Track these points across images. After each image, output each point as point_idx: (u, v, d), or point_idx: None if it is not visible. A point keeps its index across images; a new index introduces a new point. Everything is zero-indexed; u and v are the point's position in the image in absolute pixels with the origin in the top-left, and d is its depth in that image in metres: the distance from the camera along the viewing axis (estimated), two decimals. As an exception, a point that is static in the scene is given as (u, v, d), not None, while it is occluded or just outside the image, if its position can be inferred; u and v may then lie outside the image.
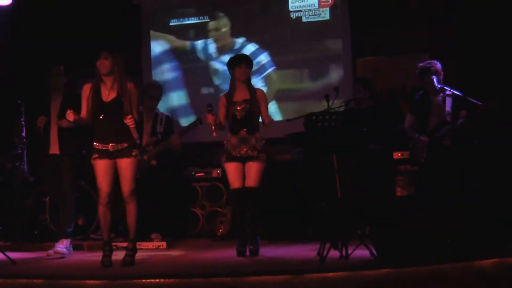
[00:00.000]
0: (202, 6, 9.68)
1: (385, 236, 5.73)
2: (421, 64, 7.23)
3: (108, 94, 6.29)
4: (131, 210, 6.31)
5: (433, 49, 8.34)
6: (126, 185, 6.26)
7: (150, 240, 7.76)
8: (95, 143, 6.30)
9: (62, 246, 7.07)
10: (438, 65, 7.14)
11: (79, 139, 6.91)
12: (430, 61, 7.19)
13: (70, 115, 6.21)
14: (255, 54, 9.23)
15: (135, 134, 6.22)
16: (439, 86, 7.03)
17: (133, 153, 6.26)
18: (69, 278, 5.60)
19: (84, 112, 6.35)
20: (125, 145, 6.24)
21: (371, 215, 6.50)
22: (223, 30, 9.55)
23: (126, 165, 6.24)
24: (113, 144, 6.24)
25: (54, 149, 7.21)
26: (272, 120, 6.81)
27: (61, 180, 7.18)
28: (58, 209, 7.29)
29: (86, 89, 6.35)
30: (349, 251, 5.85)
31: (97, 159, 6.28)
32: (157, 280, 5.34)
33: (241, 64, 6.72)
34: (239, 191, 6.65)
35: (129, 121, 6.16)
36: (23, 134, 7.98)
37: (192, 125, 8.08)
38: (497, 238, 5.57)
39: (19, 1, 8.81)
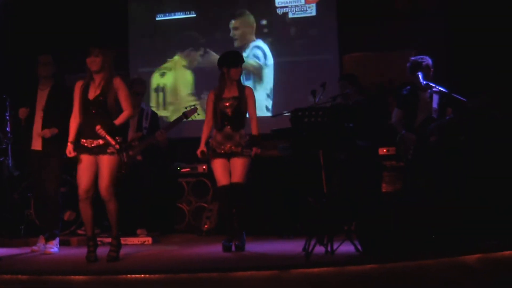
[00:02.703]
0: (188, 2, 9.65)
1: (371, 231, 5.75)
2: (412, 58, 7.24)
3: (94, 91, 6.28)
4: (110, 209, 6.28)
5: (421, 45, 8.34)
6: (102, 182, 6.21)
7: (136, 235, 7.74)
8: (80, 139, 6.30)
9: (52, 245, 7.00)
10: (429, 61, 7.16)
11: (63, 135, 6.82)
12: (422, 56, 7.21)
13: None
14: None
15: (111, 141, 6.17)
16: (424, 82, 7.03)
17: (108, 150, 6.20)
18: (54, 273, 5.58)
19: (75, 112, 6.34)
20: (101, 142, 6.20)
21: (357, 211, 6.51)
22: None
23: (102, 161, 6.21)
24: (91, 140, 6.23)
25: (37, 145, 7.04)
26: (257, 123, 6.79)
27: (46, 180, 7.03)
28: (42, 206, 7.22)
29: (78, 87, 6.35)
30: (335, 247, 5.87)
31: (78, 153, 6.27)
32: (142, 275, 5.33)
33: (238, 65, 6.73)
34: (226, 188, 6.65)
35: (99, 131, 6.13)
36: (8, 129, 7.94)
37: (177, 120, 8.06)
38: (482, 234, 5.60)
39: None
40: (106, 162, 6.21)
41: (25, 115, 7.05)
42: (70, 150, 6.30)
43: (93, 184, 6.27)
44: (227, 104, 6.71)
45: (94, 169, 6.26)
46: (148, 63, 9.71)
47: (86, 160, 6.25)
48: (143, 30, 9.75)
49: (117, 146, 6.20)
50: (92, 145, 6.22)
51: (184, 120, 8.02)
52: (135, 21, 9.77)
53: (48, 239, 7.03)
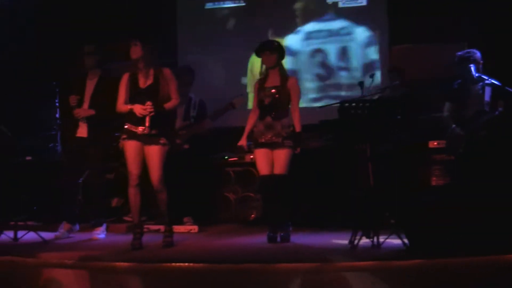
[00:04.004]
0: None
1: (418, 226, 5.66)
2: (459, 53, 7.13)
3: (145, 81, 6.34)
4: (161, 199, 6.34)
5: (471, 38, 8.17)
6: (154, 173, 6.26)
7: (182, 223, 7.76)
8: (126, 125, 6.33)
9: (99, 232, 7.11)
10: (478, 54, 7.04)
11: (109, 124, 6.87)
12: (469, 50, 7.10)
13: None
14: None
15: (147, 122, 6.20)
16: (477, 75, 6.93)
17: (161, 141, 6.27)
18: (98, 260, 5.63)
19: (122, 100, 6.38)
20: (154, 132, 6.24)
21: (403, 204, 6.42)
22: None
23: (154, 152, 6.26)
24: (142, 128, 6.24)
25: (82, 132, 7.10)
26: (298, 117, 6.66)
27: (89, 167, 7.10)
28: (70, 192, 7.24)
29: (125, 78, 6.42)
30: (381, 240, 5.80)
31: (126, 139, 6.31)
32: (186, 264, 5.34)
33: (264, 52, 6.70)
34: (267, 178, 6.61)
35: (146, 106, 6.18)
36: (57, 115, 8.01)
37: (224, 109, 8.05)
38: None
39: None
40: (157, 152, 6.26)
41: (76, 102, 7.11)
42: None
43: (143, 170, 6.31)
44: (267, 93, 6.66)
45: (142, 155, 6.30)
46: (197, 51, 9.71)
47: (134, 145, 6.29)
48: (193, 18, 9.75)
49: (146, 131, 6.21)
50: (143, 133, 6.24)
51: (231, 109, 8.00)
52: (184, 9, 9.78)
53: (95, 226, 7.10)
